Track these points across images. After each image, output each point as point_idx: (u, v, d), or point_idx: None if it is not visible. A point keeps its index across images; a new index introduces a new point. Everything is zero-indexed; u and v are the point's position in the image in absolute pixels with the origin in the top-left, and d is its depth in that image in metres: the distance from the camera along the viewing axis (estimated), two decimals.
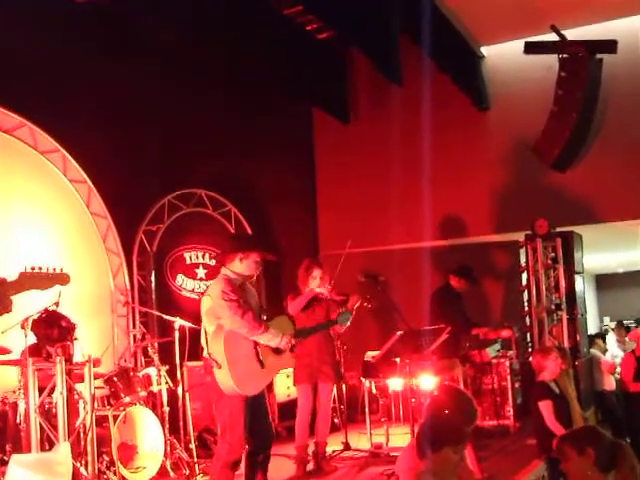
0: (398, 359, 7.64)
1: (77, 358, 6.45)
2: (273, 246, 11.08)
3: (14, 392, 6.89)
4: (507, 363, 9.22)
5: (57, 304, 6.63)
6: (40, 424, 6.05)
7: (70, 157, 8.93)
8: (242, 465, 5.90)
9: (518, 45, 10.36)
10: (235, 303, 5.63)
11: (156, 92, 9.49)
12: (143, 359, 8.93)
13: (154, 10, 8.21)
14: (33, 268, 3.11)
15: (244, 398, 5.64)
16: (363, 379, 9.00)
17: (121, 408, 7.20)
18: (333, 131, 12.07)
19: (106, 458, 6.98)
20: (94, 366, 6.72)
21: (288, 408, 9.30)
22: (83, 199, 9.11)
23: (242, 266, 5.88)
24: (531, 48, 10.25)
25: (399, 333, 7.07)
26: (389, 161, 11.28)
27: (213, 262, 9.87)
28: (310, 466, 7.65)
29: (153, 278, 9.58)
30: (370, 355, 8.73)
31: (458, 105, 11.03)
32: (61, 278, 3.19)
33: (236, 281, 5.83)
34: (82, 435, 6.37)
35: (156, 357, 7.96)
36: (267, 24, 9.85)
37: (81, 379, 6.51)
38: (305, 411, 7.60)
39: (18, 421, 6.70)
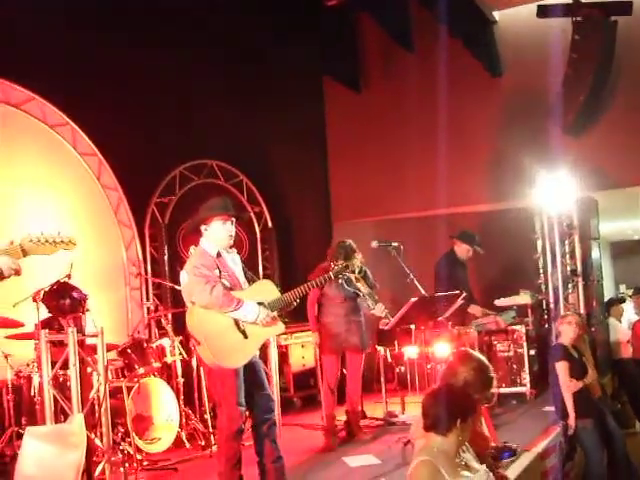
0: (413, 326, 7.60)
1: (89, 329, 6.42)
2: (284, 214, 11.05)
3: (28, 365, 6.90)
4: (523, 330, 9.13)
5: (69, 276, 6.62)
6: (54, 396, 6.03)
7: (79, 130, 8.88)
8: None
9: (531, 9, 10.20)
10: (204, 278, 5.40)
11: (165, 62, 9.34)
12: (157, 331, 8.91)
13: None
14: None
15: (233, 369, 5.44)
16: (378, 347, 8.95)
17: (135, 379, 7.21)
18: (344, 99, 11.96)
19: (121, 429, 7.00)
20: None
21: (303, 378, 9.30)
22: (94, 172, 9.06)
23: (210, 234, 5.63)
24: (544, 11, 10.10)
25: (413, 300, 7.00)
26: (401, 129, 11.19)
27: None
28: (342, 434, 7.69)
29: (166, 250, 9.54)
30: (385, 322, 8.66)
31: (471, 71, 10.90)
32: (66, 242, 3.12)
33: (212, 251, 5.61)
34: (96, 407, 6.36)
35: (169, 328, 7.95)
36: None
37: (94, 351, 6.49)
38: (331, 381, 7.55)
39: (33, 394, 6.72)
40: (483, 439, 4.59)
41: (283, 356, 9.47)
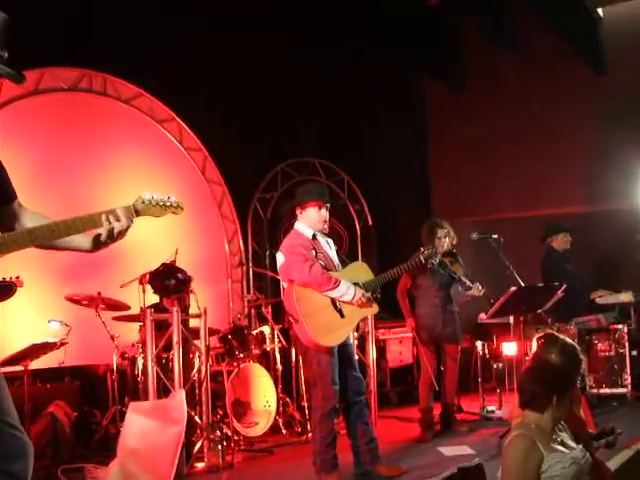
0: (512, 319, 7.53)
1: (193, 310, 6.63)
2: (385, 213, 11.08)
3: (133, 346, 7.15)
4: (625, 329, 8.92)
5: (173, 262, 6.84)
6: (157, 375, 6.22)
7: (185, 126, 9.15)
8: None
9: (636, 4, 10.00)
10: (302, 257, 5.51)
11: (270, 61, 9.50)
12: (257, 323, 9.05)
13: None
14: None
15: (329, 348, 5.52)
16: (476, 342, 8.89)
17: (235, 364, 7.35)
18: (445, 99, 11.89)
19: (220, 412, 7.16)
20: None
21: (400, 374, 9.30)
22: (198, 166, 9.33)
23: (305, 218, 5.74)
24: None
25: (513, 289, 6.95)
26: (502, 128, 11.08)
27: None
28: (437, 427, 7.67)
29: (267, 245, 9.71)
30: (483, 315, 8.59)
31: (574, 69, 10.70)
32: (174, 206, 3.29)
33: (307, 233, 5.72)
34: (196, 387, 6.54)
35: (269, 316, 8.08)
36: None
37: (197, 335, 6.65)
38: (427, 373, 7.50)
39: (136, 373, 6.96)
40: (580, 423, 4.54)
41: (381, 351, 9.47)
